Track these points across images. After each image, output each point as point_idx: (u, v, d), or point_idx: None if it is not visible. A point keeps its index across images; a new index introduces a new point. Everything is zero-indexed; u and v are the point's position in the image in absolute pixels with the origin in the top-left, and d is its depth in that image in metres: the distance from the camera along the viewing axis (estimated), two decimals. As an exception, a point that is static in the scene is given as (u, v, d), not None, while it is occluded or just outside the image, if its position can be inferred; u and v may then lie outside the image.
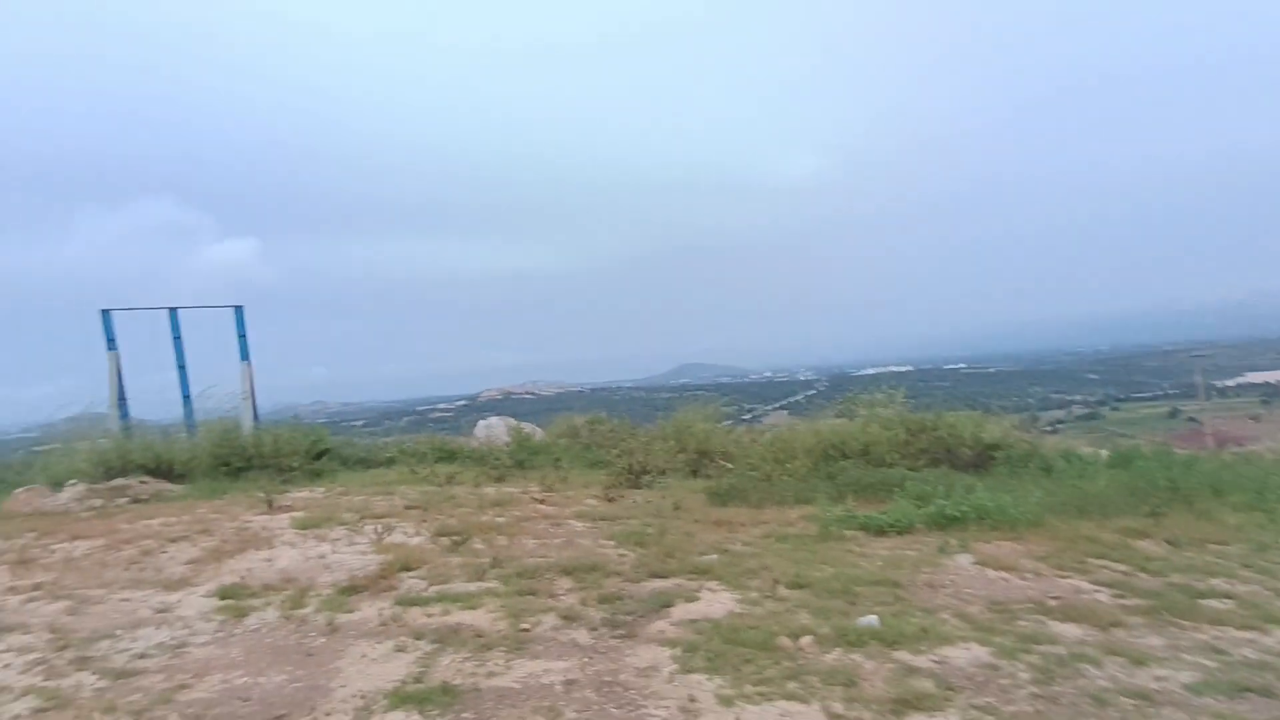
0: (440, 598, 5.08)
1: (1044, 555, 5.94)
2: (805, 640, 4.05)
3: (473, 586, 5.37)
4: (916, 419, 11.59)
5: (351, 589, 5.38)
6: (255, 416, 12.05)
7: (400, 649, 4.20)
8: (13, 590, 5.63)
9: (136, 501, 9.41)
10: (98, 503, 9.17)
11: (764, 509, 8.16)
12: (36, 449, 16.23)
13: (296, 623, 4.75)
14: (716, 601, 4.86)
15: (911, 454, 10.62)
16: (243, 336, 12.14)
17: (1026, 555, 5.99)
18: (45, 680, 3.95)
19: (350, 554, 6.41)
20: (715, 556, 5.95)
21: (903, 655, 3.93)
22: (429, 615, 4.76)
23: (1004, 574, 5.46)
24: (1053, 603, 4.80)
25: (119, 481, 9.77)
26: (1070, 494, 8.09)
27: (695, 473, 11.16)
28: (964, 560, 5.80)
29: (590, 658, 4.00)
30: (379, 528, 6.99)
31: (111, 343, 11.54)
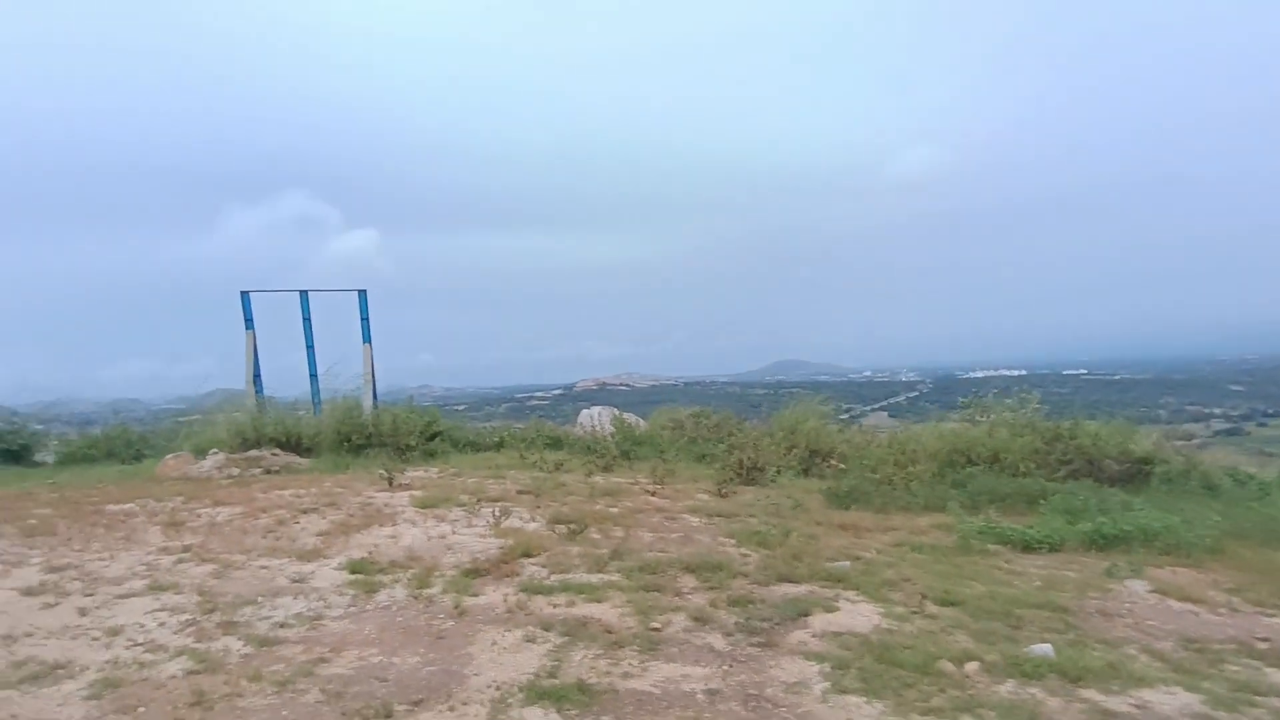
0: (564, 587, 4.96)
1: (1235, 588, 5.20)
2: (971, 667, 3.63)
3: (594, 578, 5.22)
4: (1051, 426, 10.65)
5: (474, 572, 5.35)
6: (375, 397, 12.51)
7: (530, 639, 4.07)
8: (165, 551, 5.95)
9: (269, 472, 9.93)
10: (235, 471, 9.73)
11: (889, 514, 7.66)
12: (181, 419, 17.61)
13: (424, 603, 4.73)
14: (858, 614, 4.48)
15: (1049, 464, 9.74)
16: (365, 320, 12.62)
17: (1212, 586, 5.26)
18: (196, 642, 4.07)
19: (470, 536, 6.43)
20: (847, 563, 5.55)
21: (1091, 694, 3.44)
22: (554, 605, 4.64)
23: (1191, 606, 4.79)
24: (1261, 645, 4.14)
25: (254, 452, 10.34)
26: (1252, 518, 7.14)
27: (806, 472, 10.71)
28: (1137, 587, 5.15)
29: (730, 666, 3.74)
30: (496, 511, 7.00)
31: (249, 322, 12.26)
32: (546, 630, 4.19)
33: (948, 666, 3.64)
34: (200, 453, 10.29)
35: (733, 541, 6.29)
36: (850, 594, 4.87)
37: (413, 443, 11.11)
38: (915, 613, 4.48)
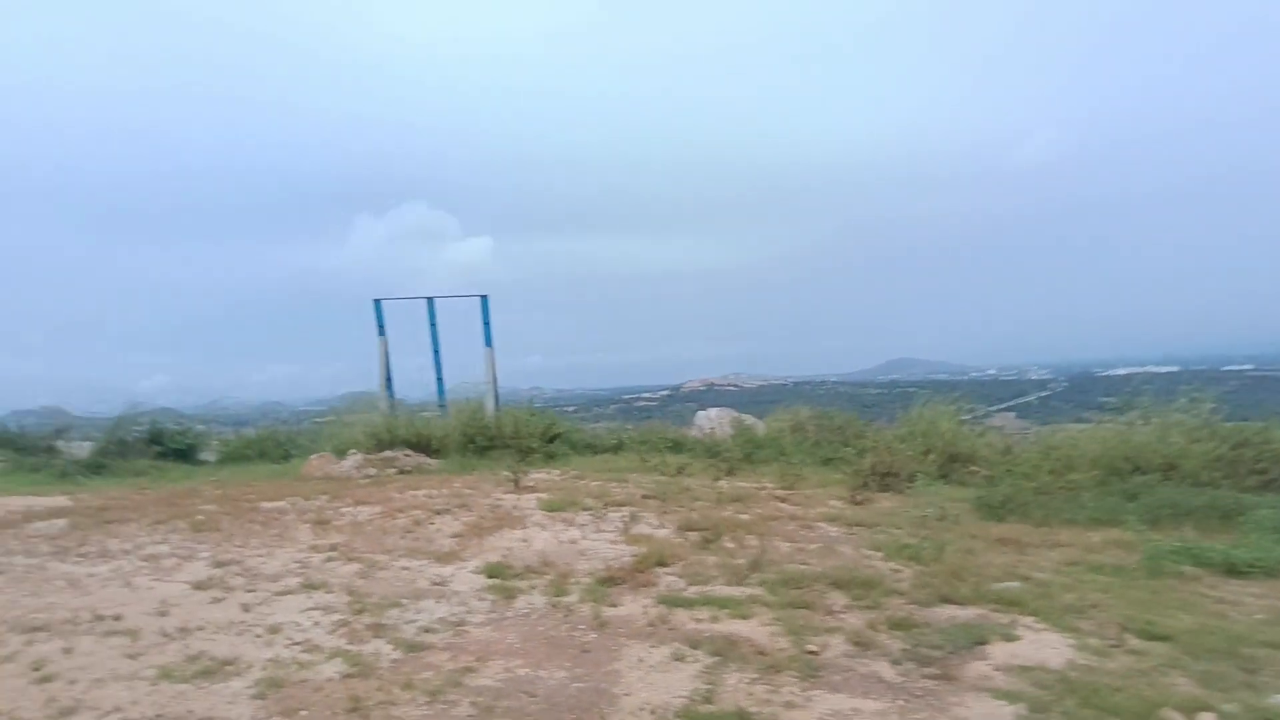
0: (705, 601, 4.70)
1: None
2: (1207, 719, 3.06)
3: (735, 591, 4.94)
4: (1234, 429, 9.37)
5: (610, 580, 5.19)
6: (497, 399, 12.78)
7: (678, 657, 3.84)
8: (314, 549, 6.18)
9: (402, 472, 10.30)
10: (372, 471, 10.16)
11: (1052, 528, 6.90)
12: (319, 421, 18.77)
13: (564, 612, 4.61)
14: (1044, 645, 3.96)
15: (1237, 473, 8.56)
16: (487, 324, 12.94)
17: None
18: (348, 644, 4.12)
19: (600, 541, 6.31)
20: (1016, 584, 4.98)
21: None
22: (698, 620, 4.39)
23: None
24: None
25: (388, 453, 10.77)
26: None
27: (943, 477, 9.94)
28: (1393, 625, 4.28)
29: (906, 701, 3.35)
30: (626, 517, 6.86)
31: (381, 329, 12.85)
32: (694, 648, 3.94)
33: (1174, 717, 3.09)
34: (340, 453, 10.83)
35: (879, 555, 5.83)
36: (1028, 620, 4.33)
37: (534, 445, 11.23)
38: (1115, 646, 3.89)
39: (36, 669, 3.72)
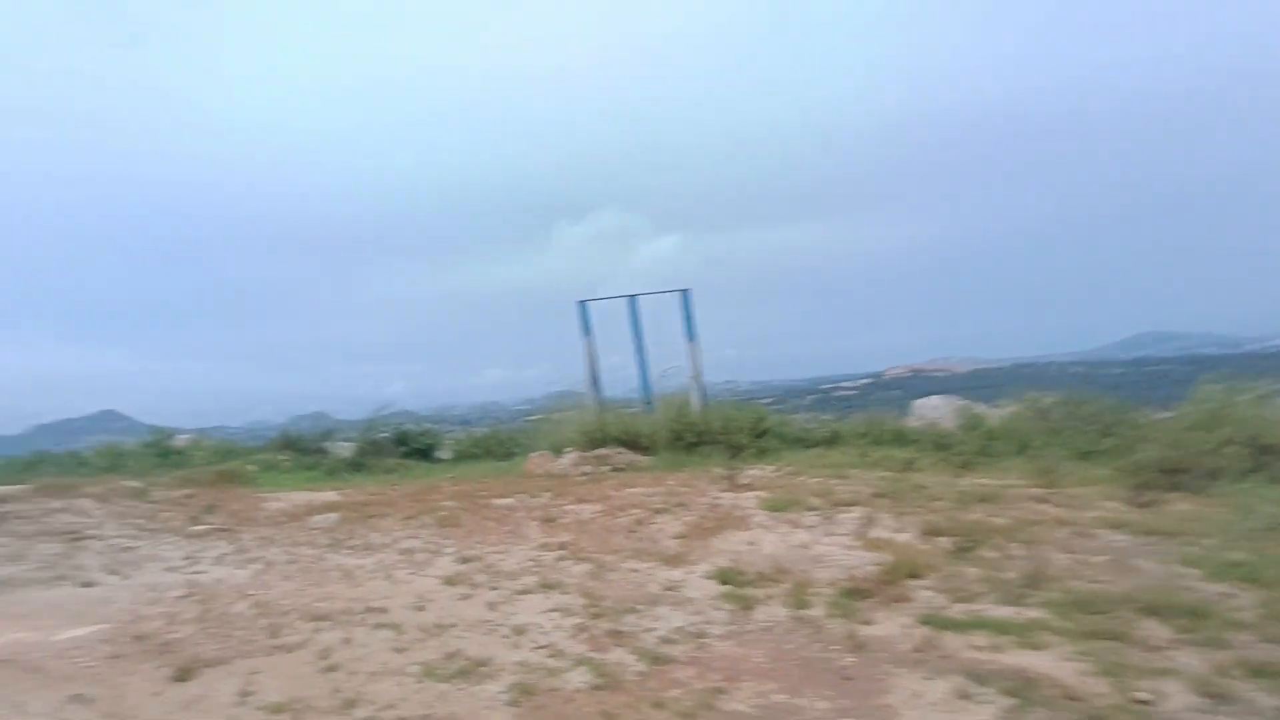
0: (977, 623, 4.03)
1: None
2: None
3: (1011, 612, 4.20)
4: None
5: (856, 592, 4.68)
6: (703, 394, 12.62)
7: (963, 695, 3.26)
8: (545, 547, 6.32)
9: (615, 470, 10.45)
10: (588, 469, 10.42)
11: None
12: (529, 420, 19.87)
13: (811, 627, 4.19)
14: None
15: None
16: (689, 318, 12.82)
17: None
18: (591, 650, 4.03)
19: (833, 546, 5.79)
20: None
21: None
22: (975, 648, 3.75)
23: None
24: None
25: (600, 451, 11.00)
26: None
27: (1252, 473, 8.07)
28: None
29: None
30: (861, 518, 6.27)
31: (586, 329, 13.23)
32: (980, 684, 3.33)
33: None
34: (557, 451, 11.25)
35: (1196, 573, 4.71)
36: None
37: (743, 440, 10.88)
38: None
39: (323, 658, 4.02)
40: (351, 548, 6.61)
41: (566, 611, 4.65)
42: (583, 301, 13.23)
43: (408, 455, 12.78)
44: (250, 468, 11.26)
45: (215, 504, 8.57)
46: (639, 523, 6.92)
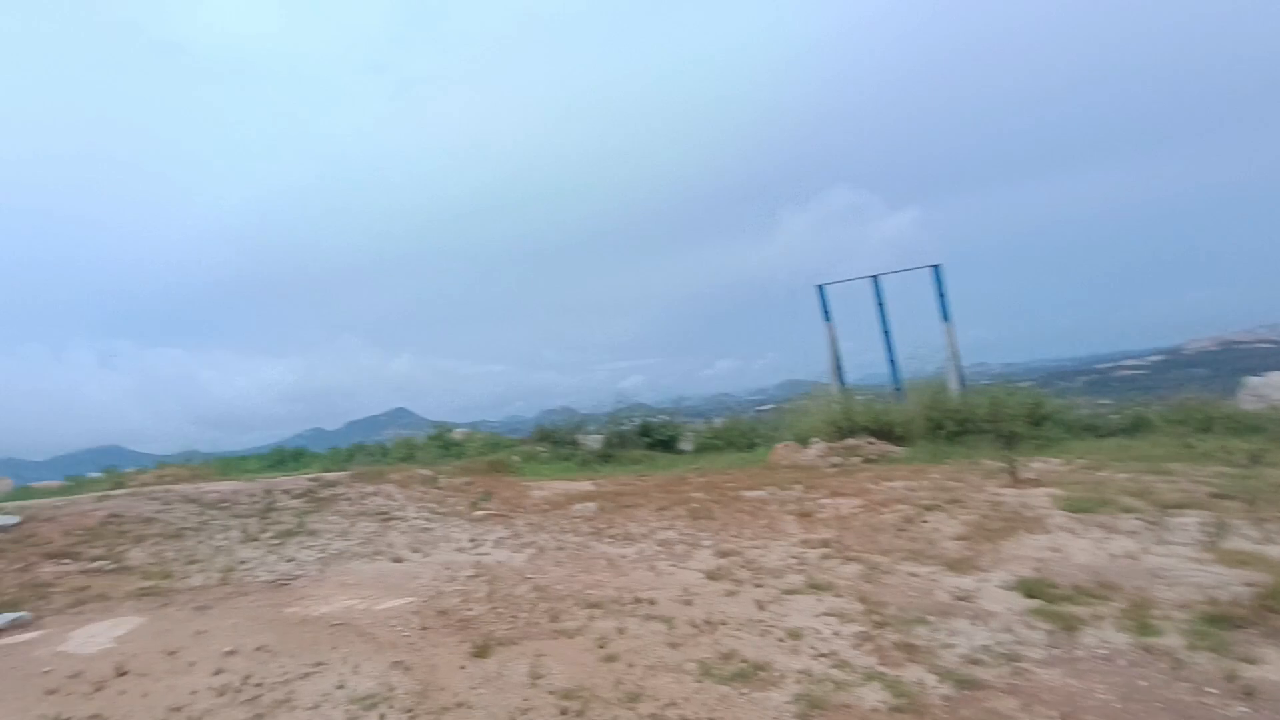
0: None
1: None
2: None
3: None
4: None
5: (1223, 619, 3.69)
6: (961, 378, 11.34)
7: None
8: (806, 543, 5.95)
9: (867, 461, 9.74)
10: (837, 460, 9.83)
11: None
12: (760, 410, 19.52)
13: (1169, 661, 3.36)
14: None
15: None
16: (942, 296, 11.60)
17: None
18: (881, 664, 3.60)
19: (1173, 558, 4.70)
20: None
21: None
22: None
23: None
24: None
25: (850, 441, 10.34)
26: None
27: None
28: None
29: None
30: (1209, 524, 5.05)
31: (826, 314, 12.56)
32: None
33: None
34: (802, 441, 10.79)
35: None
36: None
37: (1018, 429, 9.53)
38: None
39: (601, 646, 4.06)
40: (612, 537, 6.80)
41: (844, 617, 4.26)
42: (821, 285, 12.60)
43: (651, 446, 13.11)
44: (514, 458, 12.30)
45: (490, 491, 9.41)
46: (908, 520, 6.27)
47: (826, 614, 4.34)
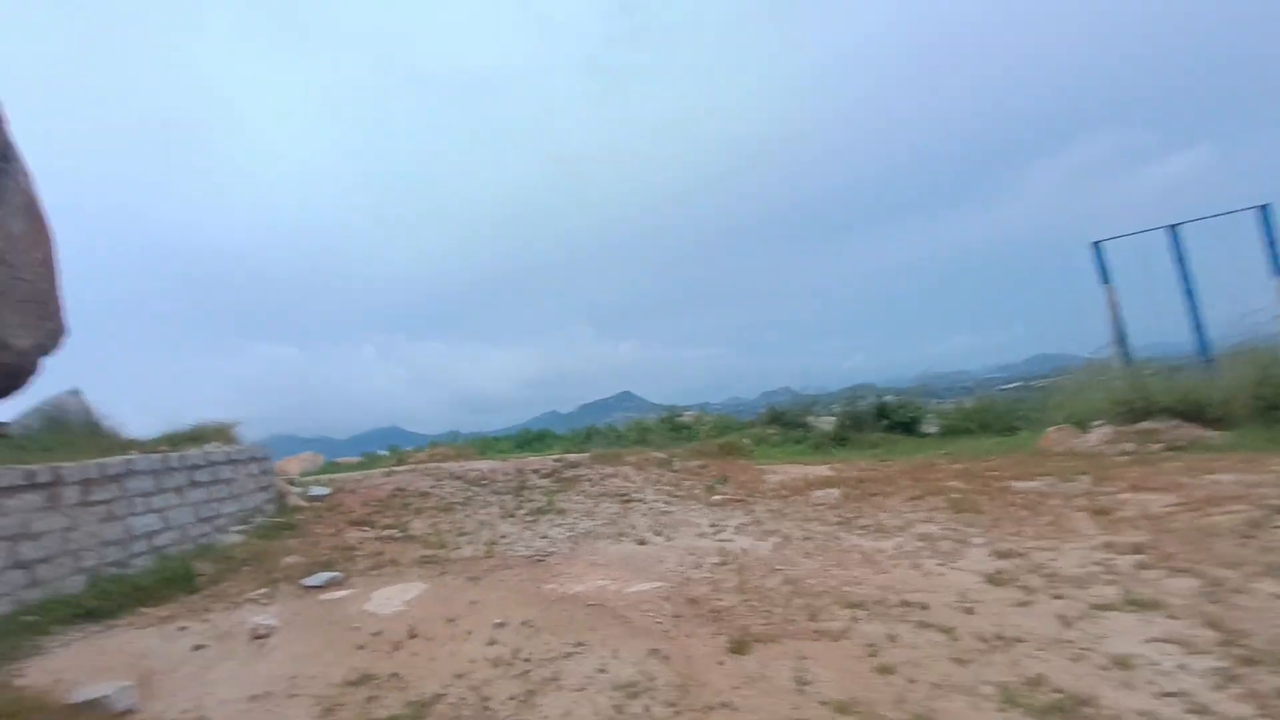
0: None
1: None
2: None
3: None
4: None
5: None
6: (1304, 345, 8.95)
7: None
8: (1110, 547, 4.97)
9: (1172, 449, 8.06)
10: (1129, 447, 8.26)
11: None
12: (1003, 387, 17.28)
13: None
14: None
15: None
16: (1272, 244, 9.22)
17: None
18: (1262, 717, 2.77)
19: None
20: None
21: None
22: None
23: None
24: None
25: (1146, 425, 8.64)
26: None
27: None
28: None
29: None
30: None
31: (1105, 275, 10.63)
32: None
33: None
34: (1079, 425, 9.26)
35: None
36: None
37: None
38: None
39: (871, 654, 3.65)
40: (863, 528, 6.27)
41: (1188, 646, 3.40)
42: (1097, 243, 10.68)
43: (890, 430, 12.15)
44: (745, 441, 12.06)
45: (725, 475, 9.27)
46: (1253, 524, 4.98)
47: (1160, 639, 3.51)
